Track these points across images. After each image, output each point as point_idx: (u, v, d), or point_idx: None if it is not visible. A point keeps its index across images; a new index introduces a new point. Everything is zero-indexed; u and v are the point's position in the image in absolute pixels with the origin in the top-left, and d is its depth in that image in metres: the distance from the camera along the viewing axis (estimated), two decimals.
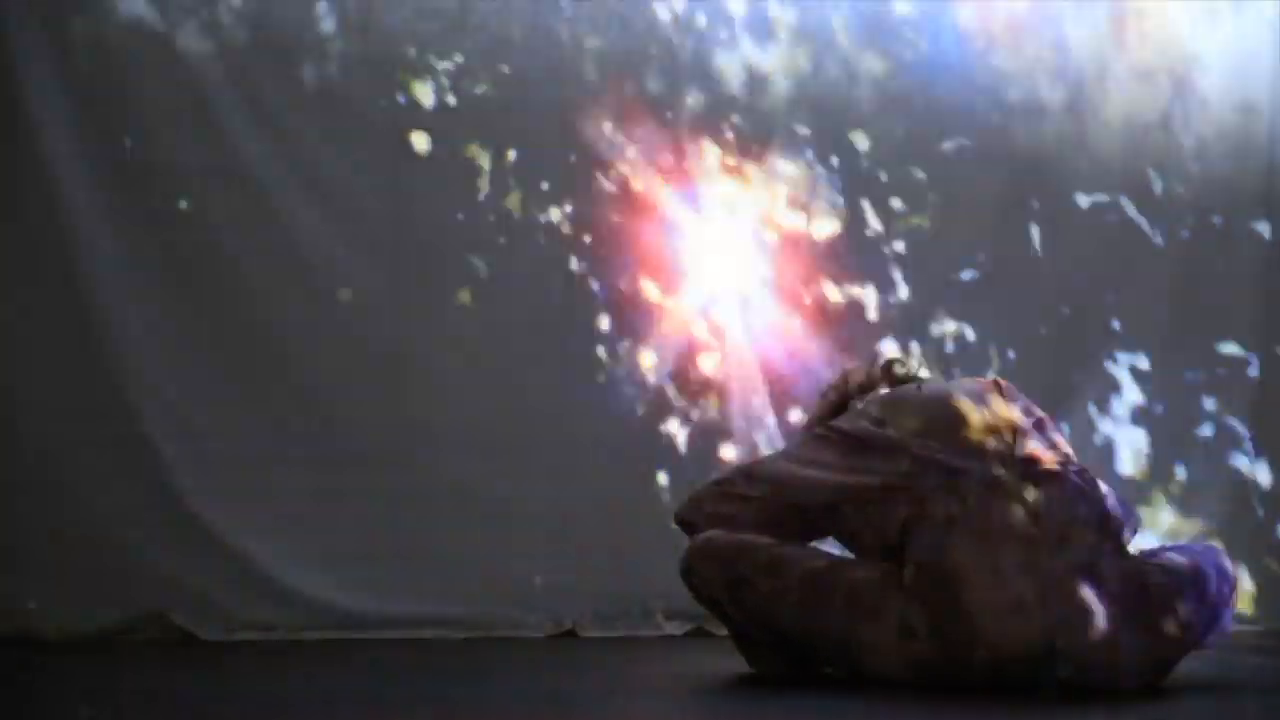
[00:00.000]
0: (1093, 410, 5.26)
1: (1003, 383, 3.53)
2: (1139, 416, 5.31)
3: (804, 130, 5.03)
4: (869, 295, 5.06)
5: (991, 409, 3.40)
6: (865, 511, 3.31)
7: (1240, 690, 3.51)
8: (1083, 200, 5.34)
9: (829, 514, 3.38)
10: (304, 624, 4.39)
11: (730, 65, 4.96)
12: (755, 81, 4.98)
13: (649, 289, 4.82)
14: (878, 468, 3.31)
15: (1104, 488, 3.36)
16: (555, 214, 4.77)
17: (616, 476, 4.73)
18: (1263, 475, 5.34)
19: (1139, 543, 3.46)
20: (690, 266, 4.88)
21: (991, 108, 5.24)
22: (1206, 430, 5.38)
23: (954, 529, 3.17)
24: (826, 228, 5.01)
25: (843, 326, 5.01)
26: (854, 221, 5.05)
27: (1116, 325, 5.33)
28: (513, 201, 4.73)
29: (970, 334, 5.15)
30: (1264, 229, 5.50)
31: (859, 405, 3.59)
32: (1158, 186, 5.43)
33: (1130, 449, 5.29)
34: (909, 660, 3.18)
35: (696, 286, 4.89)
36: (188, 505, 4.38)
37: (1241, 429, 5.38)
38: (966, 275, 5.18)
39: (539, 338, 4.73)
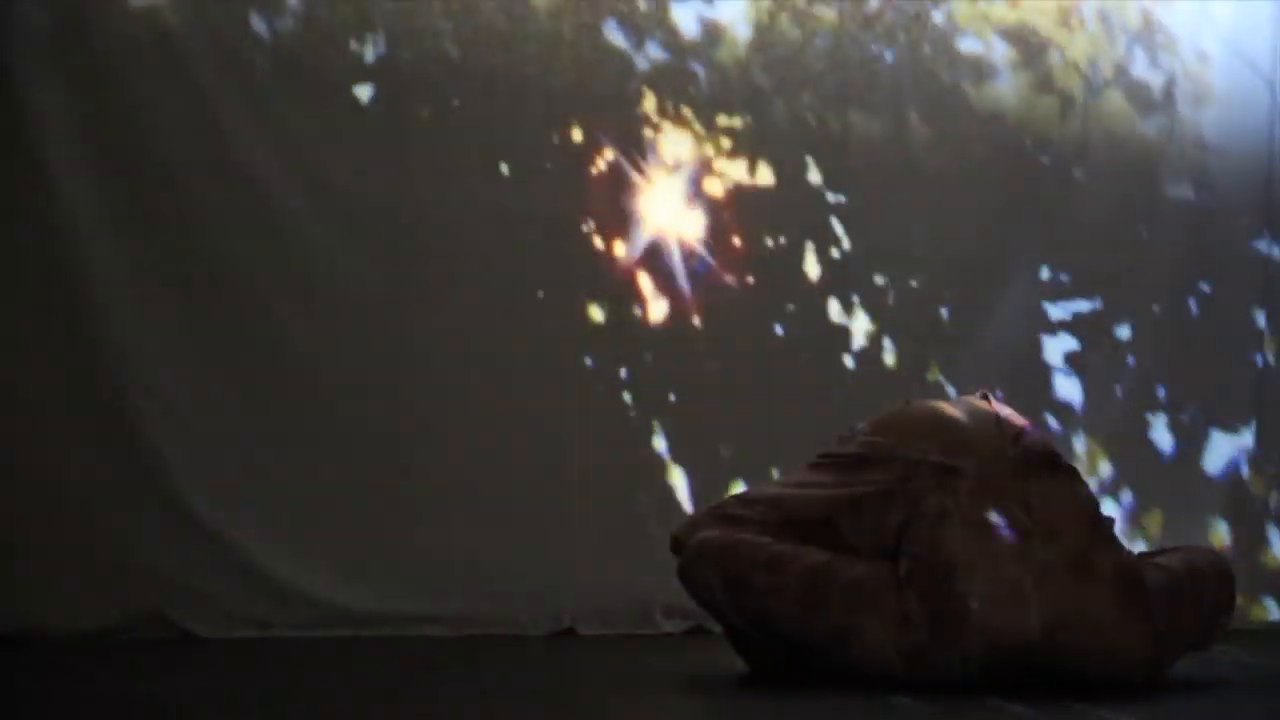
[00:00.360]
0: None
1: (990, 395, 3.59)
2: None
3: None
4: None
5: (981, 413, 3.43)
6: (862, 520, 3.32)
7: (1240, 690, 3.51)
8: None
9: (826, 528, 3.38)
10: (302, 622, 4.38)
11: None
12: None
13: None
14: (871, 478, 3.33)
15: (1088, 488, 3.39)
16: (554, 207, 4.78)
17: (615, 475, 4.73)
18: None
19: (1140, 545, 3.47)
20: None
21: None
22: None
23: (947, 521, 3.19)
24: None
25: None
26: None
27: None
28: (507, 193, 4.73)
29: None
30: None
31: (848, 434, 3.62)
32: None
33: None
34: (906, 652, 3.19)
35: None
36: (186, 504, 4.38)
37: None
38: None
39: (538, 337, 4.72)
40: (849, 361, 5.02)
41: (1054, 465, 3.35)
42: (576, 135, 4.80)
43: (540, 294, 4.75)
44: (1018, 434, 3.38)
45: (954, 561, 3.16)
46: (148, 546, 4.34)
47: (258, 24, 4.57)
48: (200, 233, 4.50)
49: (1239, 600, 3.66)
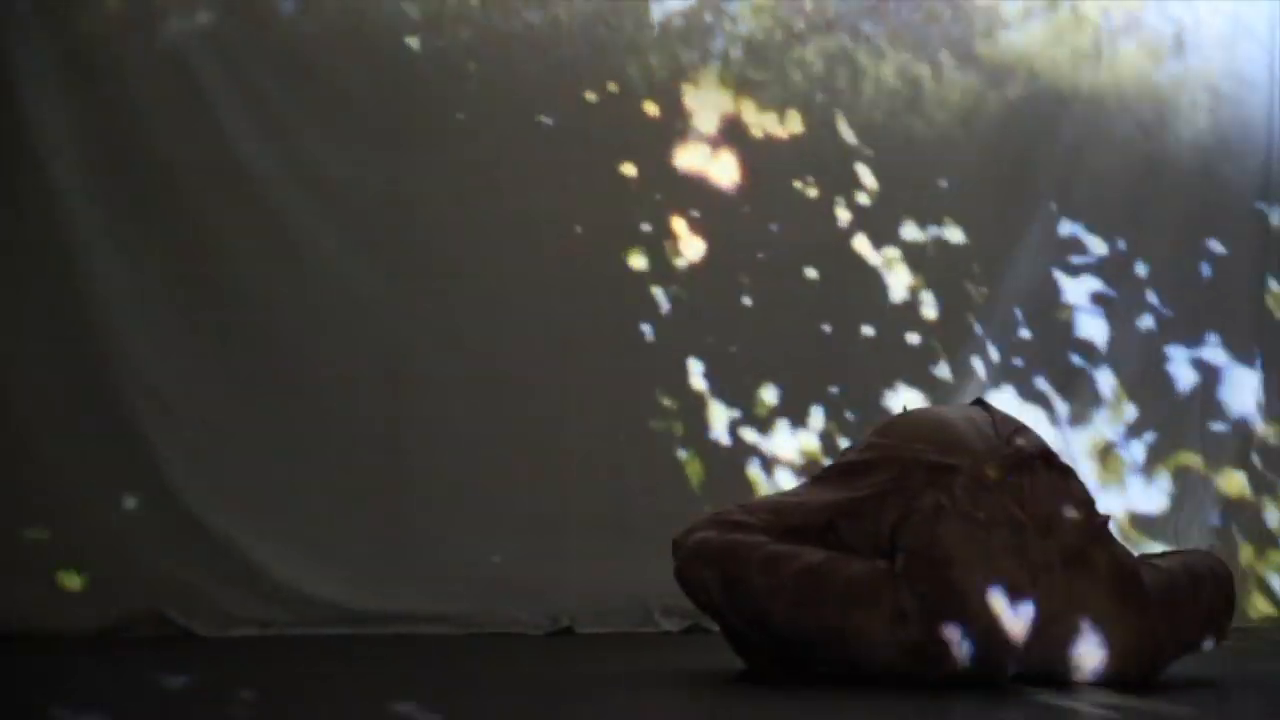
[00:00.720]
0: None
1: (987, 403, 3.62)
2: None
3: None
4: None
5: (976, 415, 3.46)
6: (861, 522, 3.32)
7: (1240, 690, 3.51)
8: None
9: (827, 533, 3.38)
10: (301, 620, 4.39)
11: None
12: None
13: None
14: (869, 481, 3.34)
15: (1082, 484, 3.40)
16: (552, 204, 4.78)
17: (614, 475, 4.73)
18: None
19: (1139, 548, 3.48)
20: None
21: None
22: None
23: (943, 517, 3.20)
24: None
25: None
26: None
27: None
28: (512, 192, 4.73)
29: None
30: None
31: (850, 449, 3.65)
32: None
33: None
34: (901, 647, 3.19)
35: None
36: (185, 503, 4.39)
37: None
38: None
39: (538, 338, 4.73)
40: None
41: (1048, 463, 3.36)
42: (574, 135, 4.81)
43: (540, 295, 4.75)
44: (1011, 434, 3.39)
45: (950, 556, 3.17)
46: (147, 546, 4.34)
47: (258, 24, 4.57)
48: (200, 233, 4.50)
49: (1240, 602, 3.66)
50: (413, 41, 4.69)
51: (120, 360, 4.40)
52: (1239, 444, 5.46)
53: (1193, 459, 5.35)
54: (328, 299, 4.59)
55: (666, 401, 4.84)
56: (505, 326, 4.70)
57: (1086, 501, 3.35)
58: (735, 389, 4.91)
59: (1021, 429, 3.48)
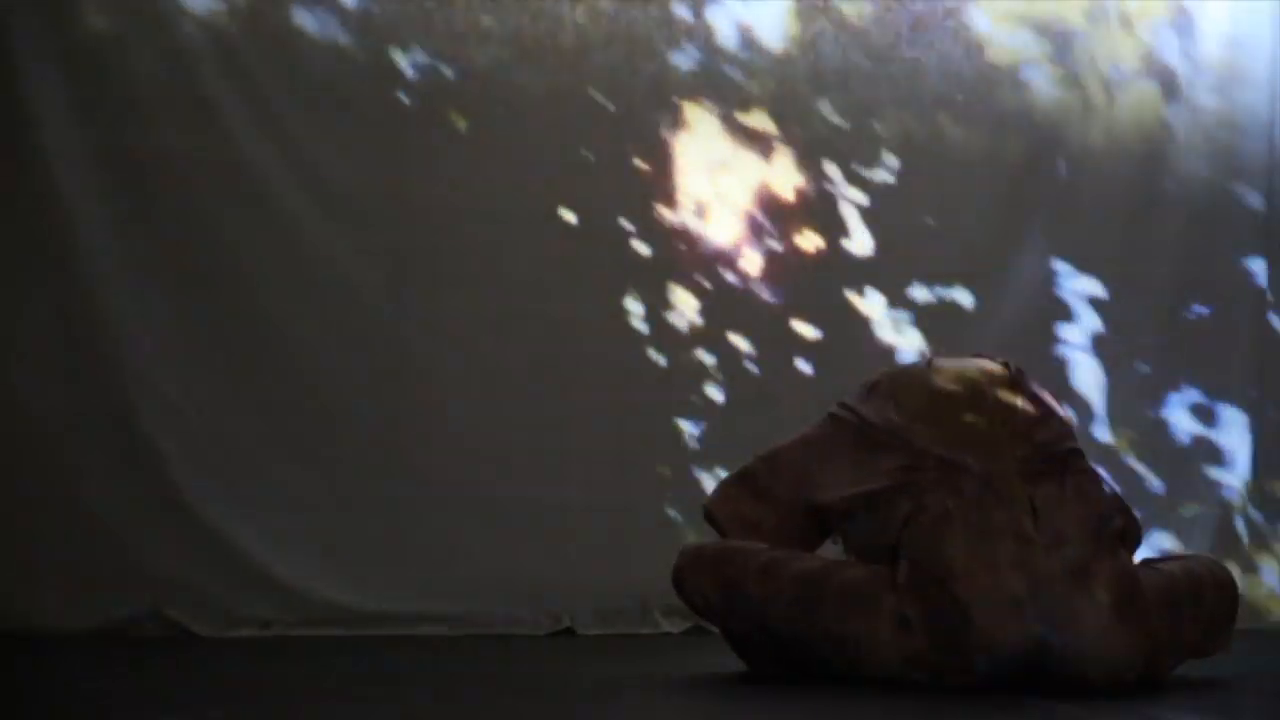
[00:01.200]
0: None
1: (1014, 366, 3.48)
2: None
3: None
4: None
5: (998, 398, 3.36)
6: (876, 515, 3.28)
7: (1240, 690, 3.50)
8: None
9: (846, 519, 3.36)
10: (301, 620, 4.39)
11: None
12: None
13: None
14: (883, 466, 3.29)
15: (1108, 488, 3.35)
16: (552, 204, 4.77)
17: (614, 475, 4.72)
18: None
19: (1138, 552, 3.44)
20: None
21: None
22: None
23: (950, 524, 3.16)
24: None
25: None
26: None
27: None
28: (511, 192, 4.72)
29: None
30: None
31: (875, 378, 3.54)
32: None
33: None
34: (904, 655, 3.17)
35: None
36: (185, 502, 4.39)
37: None
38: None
39: (538, 338, 4.72)
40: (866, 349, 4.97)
41: (1066, 467, 3.28)
42: (577, 134, 4.81)
43: (540, 295, 4.74)
44: (1031, 427, 3.32)
45: (953, 568, 3.13)
46: (147, 545, 4.35)
47: (258, 25, 4.57)
48: (201, 232, 4.51)
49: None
50: (415, 44, 4.68)
51: (121, 359, 4.40)
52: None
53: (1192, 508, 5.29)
54: (330, 299, 4.59)
55: (670, 400, 4.83)
56: (507, 327, 4.69)
57: (1095, 516, 3.25)
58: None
59: (1046, 417, 3.37)
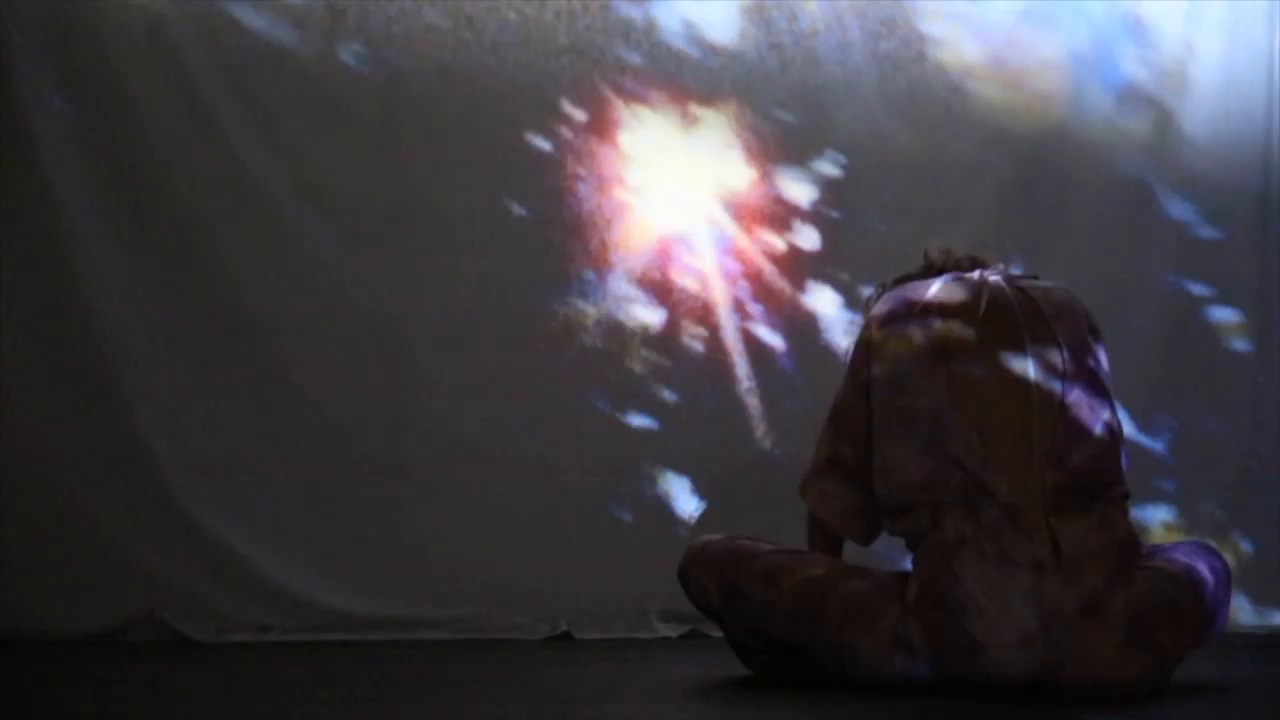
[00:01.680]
0: None
1: (1057, 401, 3.21)
2: None
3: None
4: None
5: (1048, 397, 3.19)
6: (910, 512, 3.25)
7: (1240, 690, 3.49)
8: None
9: (901, 517, 3.28)
10: (297, 625, 4.39)
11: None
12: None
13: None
14: (938, 456, 3.18)
15: (1123, 461, 3.27)
16: (554, 206, 4.76)
17: (612, 479, 4.71)
18: None
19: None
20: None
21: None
22: None
23: (964, 551, 3.12)
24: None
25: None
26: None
27: None
28: (511, 192, 4.71)
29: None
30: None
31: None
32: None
33: None
34: (901, 673, 3.16)
35: None
36: (181, 507, 4.39)
37: None
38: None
39: (537, 339, 4.71)
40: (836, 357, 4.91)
41: (1094, 496, 3.20)
42: (572, 134, 4.80)
43: (539, 295, 4.74)
44: (1070, 445, 3.18)
45: (964, 603, 3.10)
46: (144, 550, 4.35)
47: (257, 24, 4.56)
48: (197, 236, 4.51)
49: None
50: (413, 47, 4.68)
51: (118, 364, 4.40)
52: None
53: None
54: (328, 303, 4.59)
55: (670, 400, 4.82)
56: (505, 332, 4.69)
57: (1117, 548, 3.17)
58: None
59: (1088, 429, 3.21)
